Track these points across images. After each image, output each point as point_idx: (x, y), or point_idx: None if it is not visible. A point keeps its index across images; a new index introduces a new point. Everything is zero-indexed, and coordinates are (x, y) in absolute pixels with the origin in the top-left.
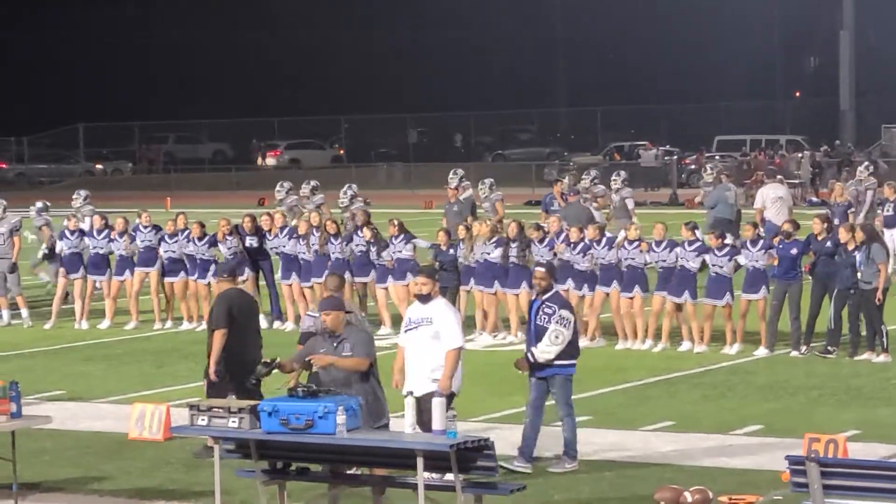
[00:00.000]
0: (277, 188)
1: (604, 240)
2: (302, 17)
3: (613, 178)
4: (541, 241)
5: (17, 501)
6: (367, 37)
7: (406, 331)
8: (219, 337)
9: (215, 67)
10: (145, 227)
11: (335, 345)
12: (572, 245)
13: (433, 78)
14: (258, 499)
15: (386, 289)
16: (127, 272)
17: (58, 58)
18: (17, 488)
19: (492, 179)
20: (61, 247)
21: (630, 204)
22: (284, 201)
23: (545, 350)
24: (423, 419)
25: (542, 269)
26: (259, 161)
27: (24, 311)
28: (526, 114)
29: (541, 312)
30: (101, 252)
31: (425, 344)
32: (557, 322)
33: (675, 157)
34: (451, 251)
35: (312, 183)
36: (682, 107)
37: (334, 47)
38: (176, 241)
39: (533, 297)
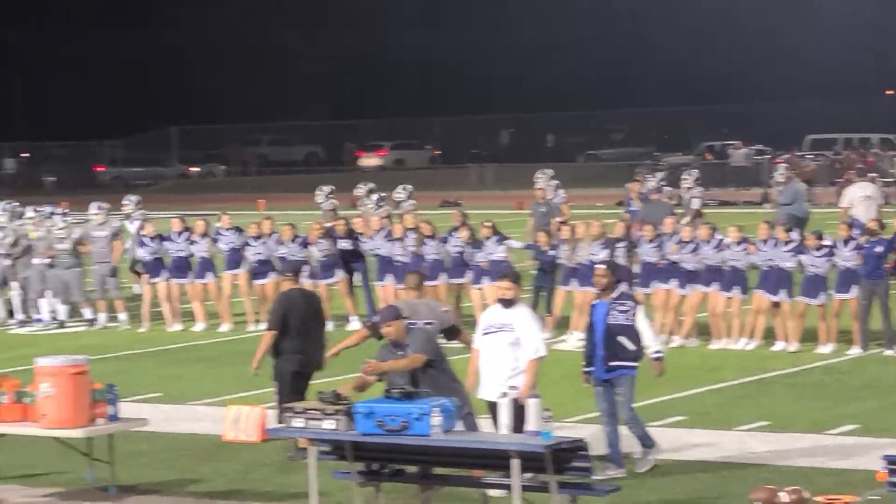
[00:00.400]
0: (317, 192)
1: (713, 240)
2: (391, 18)
3: (684, 177)
4: (650, 240)
5: (115, 503)
6: (458, 39)
7: (484, 334)
8: (266, 337)
9: (308, 69)
10: (227, 230)
11: (399, 353)
12: (682, 245)
13: (525, 78)
14: (354, 500)
15: (481, 290)
16: (209, 274)
17: (152, 61)
18: (115, 490)
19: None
20: (142, 253)
21: (696, 204)
22: (323, 205)
23: (658, 341)
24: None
25: (604, 267)
26: (364, 161)
27: (122, 315)
28: (618, 114)
29: (614, 312)
30: (182, 255)
31: (503, 349)
32: (644, 316)
33: (767, 156)
34: (552, 252)
35: (369, 185)
36: (773, 105)
37: (424, 49)
38: (264, 243)
39: (597, 298)
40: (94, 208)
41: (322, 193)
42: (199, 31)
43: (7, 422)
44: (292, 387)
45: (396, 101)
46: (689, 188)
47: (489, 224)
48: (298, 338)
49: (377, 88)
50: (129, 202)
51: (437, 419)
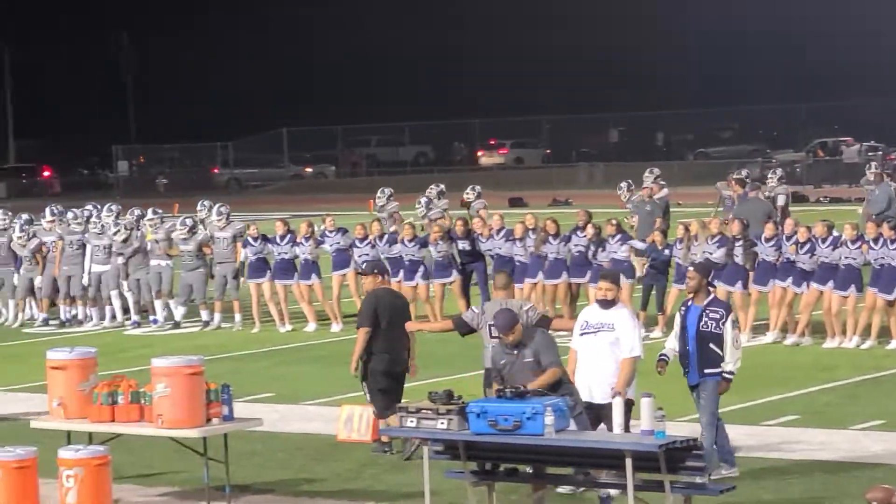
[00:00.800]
0: (378, 194)
1: (829, 238)
2: (498, 17)
3: (769, 176)
4: (768, 239)
5: (230, 502)
6: (566, 37)
7: (582, 334)
8: (361, 335)
9: (416, 69)
10: (331, 232)
11: (515, 353)
12: (800, 245)
13: (633, 77)
14: (467, 499)
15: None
16: (313, 276)
17: (262, 62)
18: (230, 490)
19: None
20: (245, 254)
21: (781, 200)
22: (385, 207)
23: (735, 359)
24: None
25: (693, 269)
26: (485, 159)
27: (237, 316)
28: (728, 111)
29: (705, 318)
30: (286, 257)
31: (604, 350)
32: (732, 326)
33: (880, 152)
34: (667, 251)
35: (440, 186)
36: (886, 101)
37: (533, 48)
38: (369, 245)
39: (689, 300)
40: (215, 211)
41: (384, 196)
42: (309, 32)
43: (124, 422)
44: (382, 386)
45: (505, 100)
46: (773, 186)
47: (615, 222)
48: (386, 337)
49: (486, 88)
50: (204, 207)
51: (549, 418)
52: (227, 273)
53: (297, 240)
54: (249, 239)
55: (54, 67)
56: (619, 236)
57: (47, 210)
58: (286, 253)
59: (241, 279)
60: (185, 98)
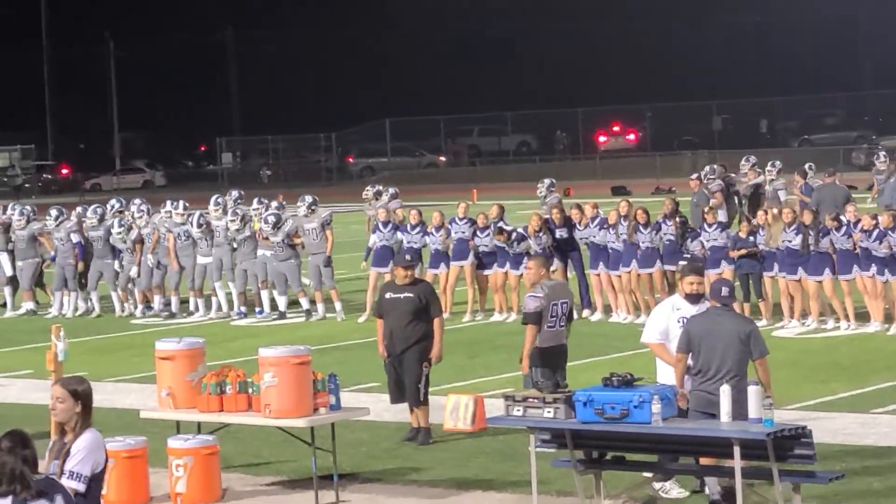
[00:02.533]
0: (539, 184)
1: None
2: (593, 10)
3: (769, 168)
4: (837, 229)
5: (337, 492)
6: (667, 26)
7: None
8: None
9: (518, 58)
10: (461, 220)
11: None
12: (867, 233)
13: (737, 63)
14: (574, 488)
15: None
16: (442, 265)
17: (362, 53)
18: (338, 479)
19: (551, 179)
20: (374, 240)
21: (782, 196)
22: (547, 199)
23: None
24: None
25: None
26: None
27: (338, 305)
28: (832, 97)
29: None
30: (415, 246)
31: None
32: None
33: None
34: (751, 238)
35: (547, 181)
36: None
37: (633, 38)
38: (488, 235)
39: None
40: (300, 201)
41: (543, 186)
42: (410, 23)
43: (232, 412)
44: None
45: (608, 88)
46: (771, 180)
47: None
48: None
49: (588, 76)
50: (369, 191)
51: (656, 406)
52: (319, 263)
53: (429, 229)
54: (379, 225)
55: (158, 62)
56: (715, 224)
57: (133, 204)
58: (416, 242)
59: (363, 264)
60: (288, 90)
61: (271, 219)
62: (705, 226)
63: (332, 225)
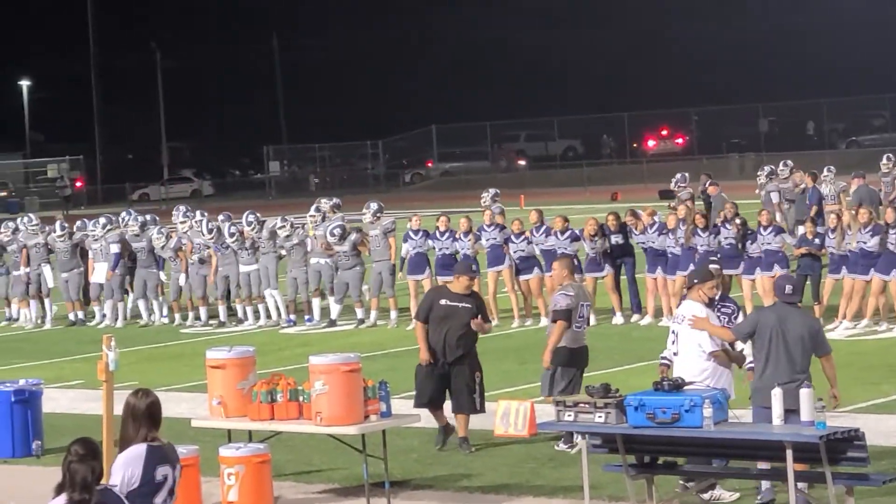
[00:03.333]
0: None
1: None
2: (639, 14)
3: (758, 173)
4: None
5: (389, 499)
6: (708, 29)
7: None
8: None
9: (563, 65)
10: (489, 227)
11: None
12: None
13: (784, 65)
14: (626, 493)
15: (753, 280)
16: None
17: (408, 60)
18: (389, 486)
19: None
20: (406, 248)
21: (775, 198)
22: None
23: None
24: None
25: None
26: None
27: (393, 313)
28: (879, 99)
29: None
30: (447, 252)
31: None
32: None
33: None
34: (816, 240)
35: (492, 191)
36: None
37: (670, 40)
38: (524, 239)
39: None
40: (365, 208)
41: (488, 195)
42: (455, 29)
43: (283, 420)
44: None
45: (653, 92)
46: (762, 184)
47: (766, 213)
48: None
49: (633, 80)
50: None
51: (708, 410)
52: (382, 270)
53: (457, 235)
54: (410, 233)
55: (205, 71)
56: (770, 227)
57: (178, 212)
58: (447, 248)
59: (399, 274)
60: (335, 97)
61: (337, 231)
62: (761, 229)
63: (394, 232)
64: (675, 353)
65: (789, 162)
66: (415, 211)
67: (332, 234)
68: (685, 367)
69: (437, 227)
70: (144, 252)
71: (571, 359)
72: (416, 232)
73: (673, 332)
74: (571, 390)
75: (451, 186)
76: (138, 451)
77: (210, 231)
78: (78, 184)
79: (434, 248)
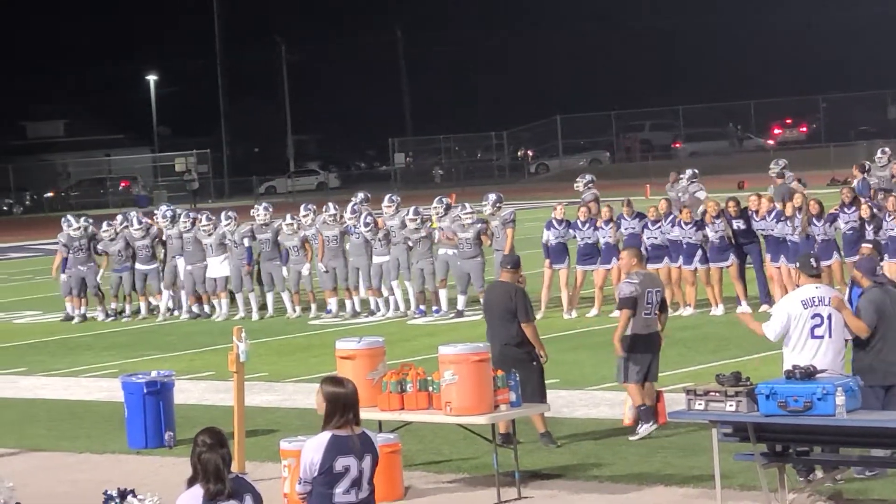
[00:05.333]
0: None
1: None
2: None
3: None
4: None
5: (519, 488)
6: (838, 16)
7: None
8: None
9: (688, 53)
10: (630, 216)
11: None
12: None
13: None
14: (758, 482)
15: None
16: (614, 260)
17: (530, 51)
18: (520, 476)
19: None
20: (548, 237)
21: (701, 196)
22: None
23: None
24: None
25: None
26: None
27: None
28: None
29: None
30: (588, 241)
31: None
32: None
33: None
34: None
35: (588, 176)
36: None
37: (805, 26)
38: (658, 228)
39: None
40: (484, 199)
41: (581, 181)
42: (579, 20)
43: (413, 410)
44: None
45: (780, 79)
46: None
47: (894, 198)
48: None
49: (759, 68)
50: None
51: (840, 399)
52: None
53: (598, 224)
54: (553, 222)
55: (329, 65)
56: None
57: (301, 207)
58: (588, 237)
59: (546, 262)
60: (459, 88)
61: (470, 208)
62: (886, 215)
63: (513, 224)
64: (814, 337)
65: (887, 150)
66: (559, 200)
67: (467, 214)
68: (830, 352)
69: (578, 217)
70: (269, 244)
71: (643, 345)
72: (559, 221)
73: (818, 315)
74: (645, 376)
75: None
76: (321, 439)
77: (367, 225)
78: (122, 184)
79: (575, 237)
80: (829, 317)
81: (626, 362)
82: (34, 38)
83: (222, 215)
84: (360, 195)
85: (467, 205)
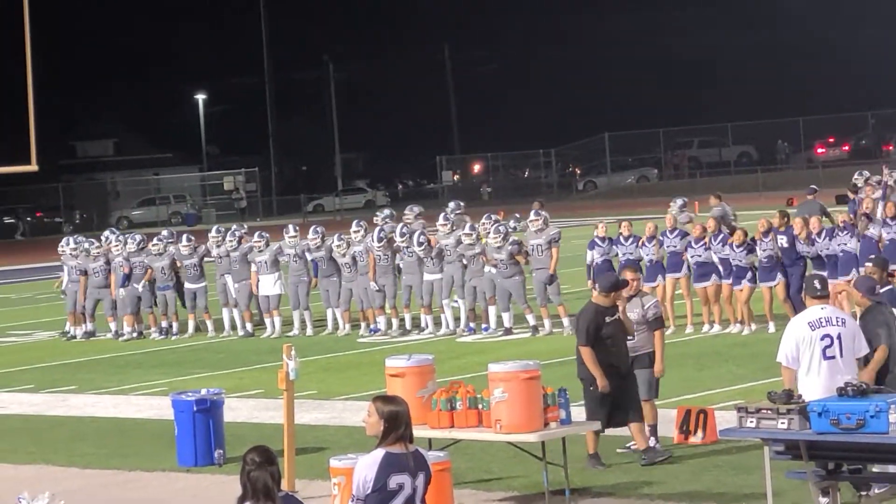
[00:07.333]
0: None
1: None
2: (816, 19)
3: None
4: None
5: None
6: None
7: None
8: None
9: (737, 69)
10: (671, 233)
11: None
12: None
13: None
14: (810, 500)
15: None
16: (659, 277)
17: (578, 69)
18: (570, 494)
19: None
20: (592, 255)
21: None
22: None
23: None
24: None
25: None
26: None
27: (566, 320)
28: None
29: None
30: (630, 258)
31: None
32: None
33: None
34: None
35: (679, 201)
36: None
37: (851, 42)
38: (702, 246)
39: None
40: (531, 215)
41: (675, 205)
42: (627, 38)
43: (462, 427)
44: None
45: (829, 95)
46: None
47: None
48: None
49: (805, 86)
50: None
51: (894, 416)
52: (542, 279)
53: (641, 241)
54: (597, 240)
55: (376, 83)
56: None
57: (353, 223)
58: (630, 254)
59: (589, 283)
60: (506, 106)
61: (501, 229)
62: (835, 230)
63: (559, 242)
64: (826, 358)
65: (865, 172)
66: (600, 218)
67: (497, 232)
68: (845, 371)
69: (621, 233)
70: (325, 262)
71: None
72: (602, 239)
73: (827, 336)
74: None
75: (622, 194)
76: (375, 456)
77: (421, 244)
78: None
79: (619, 254)
80: (839, 336)
81: (656, 379)
82: (83, 59)
83: (284, 232)
84: (386, 211)
85: (468, 222)
